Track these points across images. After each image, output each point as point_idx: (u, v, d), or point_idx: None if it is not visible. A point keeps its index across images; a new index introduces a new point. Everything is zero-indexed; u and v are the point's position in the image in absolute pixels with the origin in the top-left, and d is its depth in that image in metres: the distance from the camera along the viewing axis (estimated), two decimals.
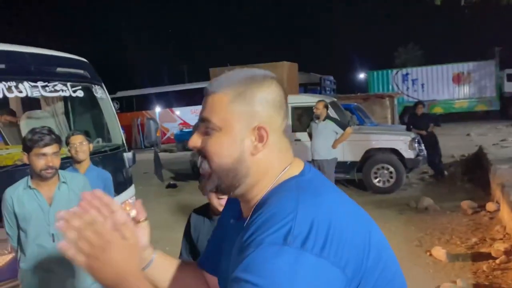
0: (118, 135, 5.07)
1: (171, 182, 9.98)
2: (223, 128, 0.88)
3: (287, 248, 0.73)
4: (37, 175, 2.40)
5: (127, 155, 5.07)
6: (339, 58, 38.48)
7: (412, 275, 4.22)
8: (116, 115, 5.19)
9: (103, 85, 5.11)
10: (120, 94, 23.53)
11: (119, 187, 4.69)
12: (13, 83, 4.04)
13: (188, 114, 22.47)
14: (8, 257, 3.68)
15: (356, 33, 44.53)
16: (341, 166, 7.19)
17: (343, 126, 6.63)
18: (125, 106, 22.89)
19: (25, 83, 4.13)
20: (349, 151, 7.75)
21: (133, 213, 1.25)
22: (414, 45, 37.67)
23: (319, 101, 6.82)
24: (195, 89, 23.73)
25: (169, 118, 23.16)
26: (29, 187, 2.44)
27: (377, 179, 8.01)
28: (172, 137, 21.23)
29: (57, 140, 2.42)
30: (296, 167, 0.93)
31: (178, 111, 23.34)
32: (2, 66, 4.04)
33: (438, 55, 29.74)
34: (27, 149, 2.37)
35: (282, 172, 0.90)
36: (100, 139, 4.98)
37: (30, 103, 5.57)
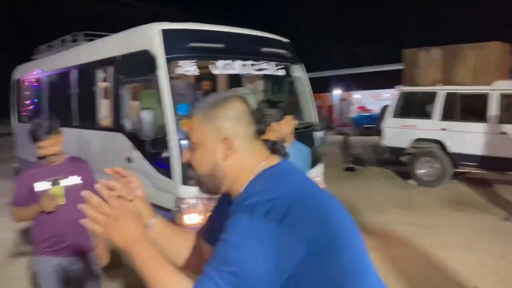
0: (312, 114, 5.19)
1: (350, 166, 9.90)
2: (199, 144, 1.13)
3: (254, 216, 0.96)
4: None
5: (319, 134, 5.17)
6: None
7: None
8: (312, 95, 5.32)
9: (302, 65, 5.29)
10: None
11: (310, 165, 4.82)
12: (228, 61, 4.50)
13: (368, 98, 21.86)
14: None
15: None
16: None
17: None
18: None
19: (238, 61, 4.55)
20: None
21: None
22: None
23: None
24: (375, 73, 22.95)
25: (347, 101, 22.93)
26: None
27: None
28: (349, 121, 20.96)
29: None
30: (272, 162, 1.13)
31: (357, 95, 22.93)
32: (222, 45, 4.53)
33: None
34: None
35: (258, 168, 1.11)
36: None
37: (235, 80, 6.13)
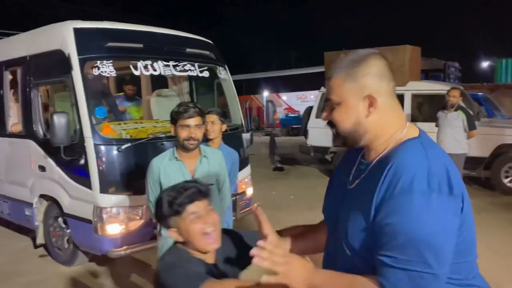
0: (237, 116, 5.17)
1: (278, 165, 10.06)
2: (341, 103, 1.15)
3: (432, 193, 0.99)
4: (181, 146, 2.50)
5: (245, 136, 5.16)
6: (464, 43, 34.06)
7: None
8: (237, 97, 5.29)
9: (226, 67, 5.25)
10: None
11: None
12: (149, 62, 4.32)
13: (294, 99, 22.50)
14: (140, 222, 3.99)
15: (485, 15, 39.22)
16: (466, 162, 6.42)
17: (471, 126, 5.88)
18: None
19: (159, 62, 4.39)
20: (476, 145, 6.91)
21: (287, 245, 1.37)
22: None
23: (454, 88, 6.13)
24: (301, 75, 23.69)
25: (276, 103, 23.28)
26: (176, 158, 2.55)
27: (509, 179, 7.12)
28: (278, 122, 21.37)
29: (200, 113, 2.49)
30: (413, 130, 1.16)
31: (284, 96, 23.48)
32: (140, 45, 4.35)
33: None
34: (174, 121, 2.49)
35: (403, 132, 1.14)
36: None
37: (159, 82, 5.94)
